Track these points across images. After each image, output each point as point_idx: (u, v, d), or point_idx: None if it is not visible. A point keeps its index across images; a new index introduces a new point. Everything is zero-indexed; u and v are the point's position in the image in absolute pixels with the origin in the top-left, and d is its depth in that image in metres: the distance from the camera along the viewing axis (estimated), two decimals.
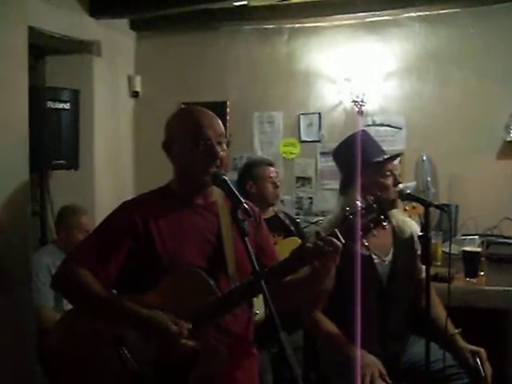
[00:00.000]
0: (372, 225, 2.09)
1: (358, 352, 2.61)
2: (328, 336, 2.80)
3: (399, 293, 2.91)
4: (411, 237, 3.01)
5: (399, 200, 2.91)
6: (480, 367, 2.72)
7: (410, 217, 3.31)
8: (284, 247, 3.26)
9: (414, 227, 3.07)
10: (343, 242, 2.04)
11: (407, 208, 3.83)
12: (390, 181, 2.86)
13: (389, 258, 2.91)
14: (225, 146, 2.25)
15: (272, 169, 4.06)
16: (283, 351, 1.71)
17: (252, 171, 4.03)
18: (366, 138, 2.91)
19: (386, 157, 2.89)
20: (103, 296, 2.13)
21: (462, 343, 2.82)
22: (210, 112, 2.29)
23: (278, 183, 4.04)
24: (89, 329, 2.19)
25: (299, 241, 3.71)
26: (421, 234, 2.68)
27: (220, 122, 2.28)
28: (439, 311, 2.90)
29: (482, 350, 2.78)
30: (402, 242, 2.97)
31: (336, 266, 2.68)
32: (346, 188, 2.89)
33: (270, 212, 4.07)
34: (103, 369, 2.16)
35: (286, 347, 1.71)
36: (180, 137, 2.23)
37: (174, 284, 2.13)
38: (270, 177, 4.00)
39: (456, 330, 2.84)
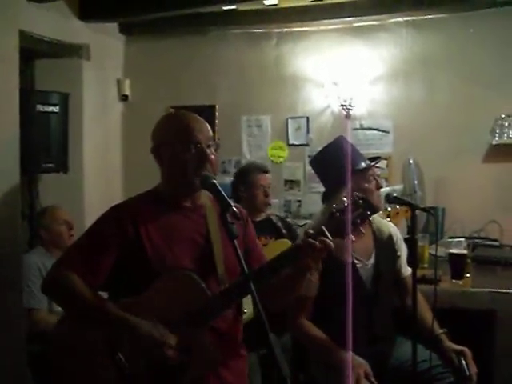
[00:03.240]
0: (359, 221, 2.11)
1: (349, 354, 2.61)
2: (314, 341, 2.82)
3: (383, 294, 2.94)
4: (390, 237, 3.05)
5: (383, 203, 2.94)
6: (464, 366, 2.75)
7: (391, 220, 3.35)
8: (274, 249, 3.29)
9: (391, 227, 3.11)
10: (330, 238, 2.06)
11: (390, 211, 3.87)
12: (373, 185, 2.90)
13: (371, 261, 2.94)
14: (213, 149, 2.28)
15: (266, 176, 4.08)
16: (272, 352, 1.73)
17: (245, 177, 4.06)
18: (345, 146, 2.90)
19: (369, 163, 2.92)
20: (91, 301, 2.13)
21: (447, 343, 2.85)
22: (198, 116, 2.32)
23: (269, 191, 4.06)
24: (83, 334, 2.20)
25: (289, 243, 3.74)
26: (408, 236, 2.71)
27: (208, 125, 2.31)
28: (425, 312, 2.92)
29: (466, 350, 2.80)
30: (382, 243, 3.00)
31: (319, 273, 2.73)
32: (329, 196, 2.92)
33: (263, 215, 4.11)
34: (97, 372, 2.16)
35: (275, 348, 1.73)
36: (170, 141, 2.24)
37: (164, 287, 2.14)
38: (262, 185, 4.02)
39: (441, 330, 2.88)
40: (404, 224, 4.12)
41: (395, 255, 3.06)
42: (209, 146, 2.25)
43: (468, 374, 2.73)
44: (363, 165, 2.89)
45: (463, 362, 2.76)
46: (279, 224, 4.14)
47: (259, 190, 4.01)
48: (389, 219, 3.75)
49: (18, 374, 3.28)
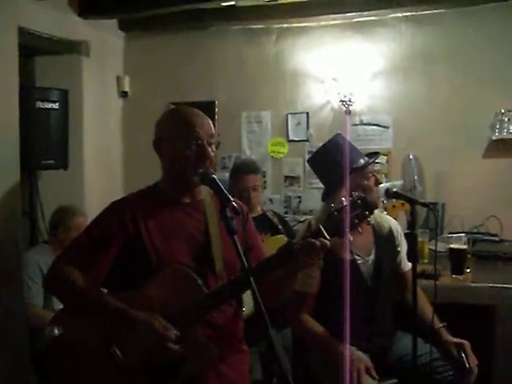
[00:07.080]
0: (357, 220, 2.10)
1: (347, 349, 2.63)
2: (315, 336, 2.82)
3: (384, 289, 2.94)
4: (391, 232, 3.05)
5: (381, 199, 2.94)
6: (464, 359, 2.75)
7: (388, 214, 3.35)
8: (270, 245, 3.29)
9: (392, 223, 3.11)
10: (328, 238, 2.06)
11: (387, 204, 3.86)
12: (372, 182, 2.90)
13: (372, 257, 2.94)
14: (214, 147, 2.27)
15: (249, 178, 4.00)
16: (272, 346, 1.73)
17: (232, 176, 4.09)
18: (343, 144, 2.90)
19: (367, 159, 2.92)
20: (93, 296, 2.14)
21: (447, 336, 2.85)
22: (202, 112, 2.31)
23: (252, 195, 3.98)
24: (80, 327, 2.21)
25: (286, 239, 3.72)
26: (408, 231, 2.71)
27: (211, 122, 2.30)
28: (425, 307, 2.92)
29: (465, 342, 2.80)
30: (382, 239, 3.01)
31: (320, 269, 2.73)
32: (329, 195, 2.92)
33: (258, 211, 4.09)
34: (95, 367, 2.16)
35: (276, 343, 1.74)
36: (171, 136, 2.24)
37: (162, 282, 2.15)
38: (238, 189, 3.97)
39: (441, 324, 2.88)
40: (404, 219, 4.13)
41: (395, 250, 3.06)
42: (210, 144, 2.24)
43: (468, 366, 2.74)
44: (361, 162, 2.89)
45: (463, 354, 2.77)
46: (275, 220, 4.12)
47: (239, 191, 3.96)
48: (385, 213, 3.74)
49: (20, 370, 3.30)
